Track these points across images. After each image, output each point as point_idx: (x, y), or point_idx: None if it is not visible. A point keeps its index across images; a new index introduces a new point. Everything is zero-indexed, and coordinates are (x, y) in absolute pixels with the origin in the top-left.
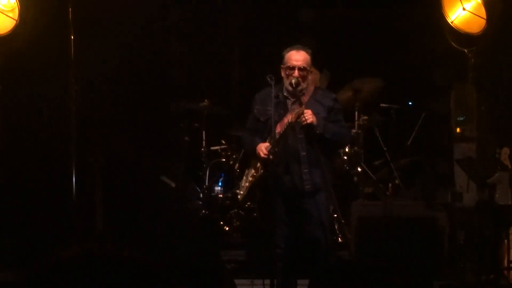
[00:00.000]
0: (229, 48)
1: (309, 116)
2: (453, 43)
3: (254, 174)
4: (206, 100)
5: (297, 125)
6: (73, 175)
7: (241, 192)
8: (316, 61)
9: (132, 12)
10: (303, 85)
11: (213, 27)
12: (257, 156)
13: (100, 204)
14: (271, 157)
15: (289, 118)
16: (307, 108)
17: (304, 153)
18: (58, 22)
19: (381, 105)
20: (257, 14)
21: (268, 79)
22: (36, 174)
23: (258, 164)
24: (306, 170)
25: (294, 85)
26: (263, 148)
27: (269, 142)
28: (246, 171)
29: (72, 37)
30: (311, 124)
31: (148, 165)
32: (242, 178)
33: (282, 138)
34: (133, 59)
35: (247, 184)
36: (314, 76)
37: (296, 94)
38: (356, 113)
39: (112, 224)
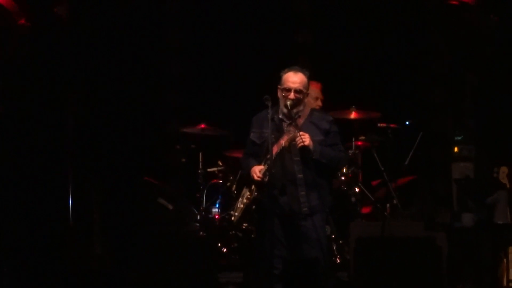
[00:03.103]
0: (226, 69)
1: (306, 139)
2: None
3: (249, 196)
4: (202, 123)
5: (293, 148)
6: (69, 198)
7: (236, 214)
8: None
9: (128, 31)
10: (299, 107)
11: (210, 47)
12: (252, 179)
13: (98, 227)
14: (265, 179)
15: (284, 140)
16: (302, 130)
17: (300, 176)
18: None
19: (379, 125)
20: (255, 34)
21: (265, 101)
22: (32, 196)
23: (253, 187)
24: (303, 193)
25: (289, 107)
26: (256, 171)
27: (263, 165)
28: (242, 192)
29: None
30: (307, 148)
31: (145, 187)
32: (238, 199)
33: (279, 160)
34: (129, 81)
35: (241, 205)
36: (316, 88)
37: (292, 116)
38: (354, 133)
39: (110, 246)
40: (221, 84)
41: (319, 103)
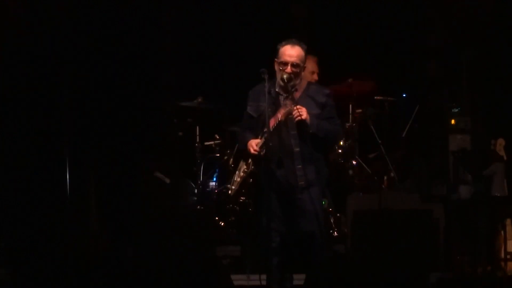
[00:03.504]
0: (222, 42)
1: (303, 113)
2: None
3: (245, 169)
4: (199, 97)
5: (290, 121)
6: (66, 173)
7: (233, 187)
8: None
9: (123, 9)
10: (296, 81)
11: (205, 22)
12: (248, 152)
13: (94, 202)
14: (262, 153)
15: (280, 114)
16: (299, 104)
17: (297, 149)
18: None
19: (375, 97)
20: (250, 9)
21: (261, 74)
22: (29, 174)
23: (250, 160)
24: (299, 166)
25: (286, 81)
26: (253, 144)
27: (260, 138)
28: (239, 166)
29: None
30: (304, 122)
31: (142, 161)
32: (235, 173)
33: (275, 134)
34: (126, 56)
35: (238, 179)
36: (312, 62)
37: (288, 89)
38: (350, 106)
39: (107, 222)
40: (217, 57)
41: (315, 77)
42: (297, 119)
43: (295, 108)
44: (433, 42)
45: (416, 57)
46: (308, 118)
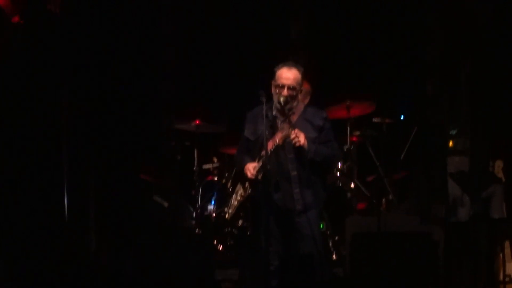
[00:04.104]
0: (221, 64)
1: (301, 138)
2: None
3: (242, 193)
4: (197, 119)
5: (288, 145)
6: (64, 193)
7: (230, 211)
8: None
9: (122, 27)
10: (292, 104)
11: (205, 43)
12: (245, 176)
13: (93, 225)
14: (259, 176)
15: (277, 137)
16: (296, 127)
17: (294, 173)
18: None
19: (373, 119)
20: (250, 30)
21: (259, 96)
22: (27, 192)
23: (247, 184)
24: (297, 190)
25: (282, 104)
26: (250, 168)
27: (258, 162)
28: (236, 189)
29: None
30: (301, 147)
31: (141, 185)
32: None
33: (273, 157)
34: (124, 78)
35: (235, 202)
36: (305, 89)
37: (285, 112)
38: (348, 128)
39: (106, 245)
40: (215, 80)
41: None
42: (297, 144)
43: (292, 132)
44: (431, 60)
45: (414, 77)
46: (305, 143)
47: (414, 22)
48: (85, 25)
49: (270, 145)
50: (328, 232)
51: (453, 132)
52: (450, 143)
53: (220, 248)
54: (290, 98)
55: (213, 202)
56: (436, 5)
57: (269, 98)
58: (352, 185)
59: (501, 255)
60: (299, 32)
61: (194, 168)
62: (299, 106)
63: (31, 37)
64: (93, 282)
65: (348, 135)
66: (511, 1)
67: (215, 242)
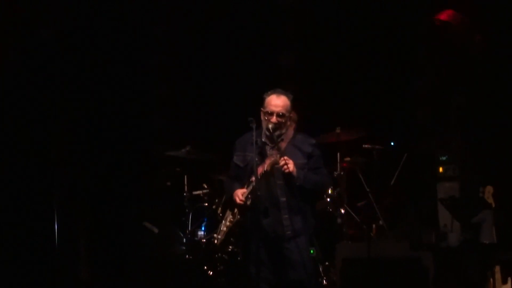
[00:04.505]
0: (210, 91)
1: (290, 165)
2: None
3: (231, 219)
4: (187, 146)
5: (277, 171)
6: (55, 222)
7: (219, 237)
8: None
9: (112, 54)
10: (281, 130)
11: (195, 70)
12: (234, 202)
13: (84, 251)
14: (247, 203)
15: (266, 164)
16: (285, 154)
17: (284, 199)
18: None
19: (363, 146)
20: (239, 57)
21: (249, 123)
22: (17, 219)
23: (236, 210)
24: (286, 216)
25: (271, 130)
26: (239, 194)
27: (246, 188)
28: (225, 215)
29: None
30: (291, 174)
31: (131, 211)
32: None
33: (262, 184)
34: (114, 104)
35: (224, 229)
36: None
37: (274, 139)
38: (338, 154)
39: (97, 271)
40: (205, 107)
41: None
42: (286, 171)
43: (282, 159)
44: (422, 89)
45: (405, 105)
46: (295, 170)
47: (406, 52)
48: (75, 54)
49: (259, 171)
50: (319, 257)
51: (443, 158)
52: (440, 169)
53: (211, 274)
54: (278, 125)
55: (203, 228)
56: (427, 37)
57: (259, 125)
58: (342, 211)
59: (491, 280)
60: (288, 61)
61: (185, 194)
62: (289, 132)
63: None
64: None
65: (338, 161)
66: (501, 32)
67: (205, 267)
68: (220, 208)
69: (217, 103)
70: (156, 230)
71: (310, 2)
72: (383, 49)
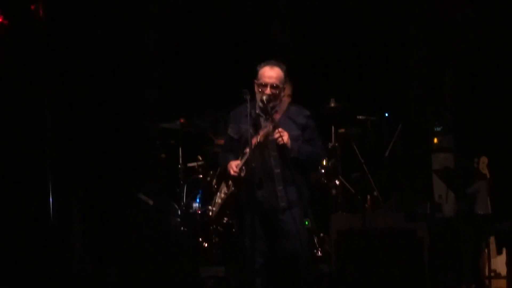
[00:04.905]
0: (204, 63)
1: (284, 137)
2: None
3: (226, 191)
4: (181, 118)
5: (271, 143)
6: (50, 195)
7: (214, 209)
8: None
9: (105, 28)
10: (275, 102)
11: (188, 42)
12: (228, 174)
13: (78, 224)
14: (242, 174)
15: (260, 135)
16: (280, 126)
17: (278, 171)
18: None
19: (358, 117)
20: (231, 31)
21: (243, 94)
22: (11, 194)
23: (230, 182)
24: (280, 187)
25: (265, 102)
26: (233, 165)
27: (240, 160)
28: (220, 187)
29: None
30: (285, 146)
31: (125, 183)
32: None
33: (256, 155)
34: (107, 78)
35: (219, 200)
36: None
37: (268, 111)
38: (333, 126)
39: (91, 243)
40: (200, 78)
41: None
42: (280, 142)
43: (276, 131)
44: (415, 62)
45: (399, 77)
46: (289, 142)
47: (398, 28)
48: (69, 29)
49: (253, 143)
50: (313, 229)
51: (438, 129)
52: (435, 140)
53: (206, 246)
54: (272, 97)
55: (198, 200)
56: (418, 14)
57: (253, 97)
58: (337, 182)
59: (486, 250)
60: (281, 33)
61: (179, 166)
62: (283, 104)
63: (15, 38)
64: (79, 284)
65: (333, 132)
66: (489, 9)
67: (200, 239)
68: (215, 180)
69: (212, 75)
70: (151, 202)
71: None
72: (377, 22)
